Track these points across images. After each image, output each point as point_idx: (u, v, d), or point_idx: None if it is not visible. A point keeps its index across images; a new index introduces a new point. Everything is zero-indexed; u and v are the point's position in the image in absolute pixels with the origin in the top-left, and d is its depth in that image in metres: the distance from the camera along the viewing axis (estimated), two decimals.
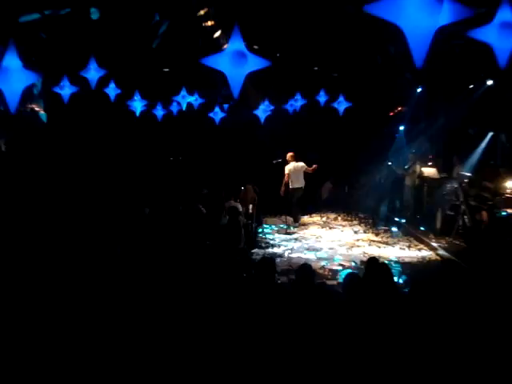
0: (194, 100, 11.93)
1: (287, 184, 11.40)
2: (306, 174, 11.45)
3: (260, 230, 10.99)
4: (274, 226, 11.59)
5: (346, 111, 11.76)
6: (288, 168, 11.48)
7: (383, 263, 5.02)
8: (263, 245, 9.57)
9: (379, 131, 13.18)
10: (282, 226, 11.42)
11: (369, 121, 13.51)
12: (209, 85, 11.94)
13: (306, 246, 9.51)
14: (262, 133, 13.66)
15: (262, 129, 12.83)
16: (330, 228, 11.50)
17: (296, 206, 11.61)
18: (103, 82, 9.37)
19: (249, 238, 8.93)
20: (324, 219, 12.74)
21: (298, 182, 11.42)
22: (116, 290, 4.37)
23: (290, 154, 11.54)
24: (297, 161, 11.49)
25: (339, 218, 12.68)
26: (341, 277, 7.08)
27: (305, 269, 4.64)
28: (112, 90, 10.00)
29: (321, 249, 9.20)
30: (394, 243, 9.51)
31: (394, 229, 10.82)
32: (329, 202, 13.92)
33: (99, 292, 4.27)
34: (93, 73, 8.37)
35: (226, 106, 13.58)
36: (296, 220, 11.64)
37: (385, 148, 12.97)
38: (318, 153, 13.17)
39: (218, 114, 12.96)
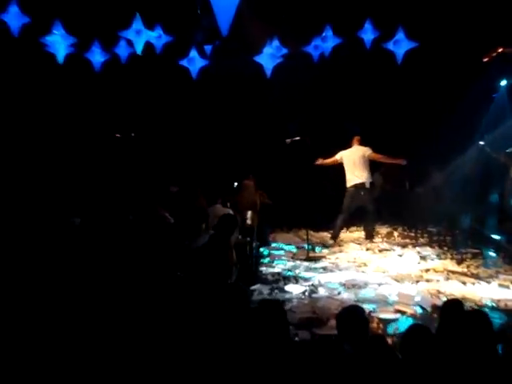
0: (156, 38, 11.87)
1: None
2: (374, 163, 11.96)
3: (265, 253, 11.07)
4: (288, 247, 11.67)
5: (408, 56, 11.68)
6: (340, 155, 12.23)
7: (474, 311, 5.04)
8: (270, 278, 9.62)
9: (464, 90, 13.11)
10: (300, 247, 11.51)
11: (446, 72, 13.49)
12: (180, 13, 11.94)
13: (340, 279, 9.50)
14: (268, 93, 13.66)
15: (268, 86, 12.84)
16: (381, 250, 11.55)
17: (345, 216, 12.23)
18: None
19: (246, 267, 8.94)
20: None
21: (360, 176, 12.04)
22: None
23: (356, 138, 12.37)
24: (361, 145, 12.24)
25: (396, 234, 12.75)
26: (398, 330, 7.09)
27: (352, 316, 4.62)
28: (14, 18, 10.02)
29: (365, 285, 9.18)
30: (490, 277, 9.47)
31: (490, 252, 10.82)
32: (378, 206, 13.91)
33: None
34: None
35: (208, 48, 13.49)
36: (370, 236, 12.26)
37: (474, 119, 12.95)
38: (359, 124, 13.29)
39: (195, 62, 12.83)
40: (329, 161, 12.42)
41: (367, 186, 12.14)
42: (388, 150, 13.76)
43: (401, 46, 11.65)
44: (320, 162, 12.42)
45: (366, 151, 12.18)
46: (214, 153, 14.43)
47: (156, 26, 11.75)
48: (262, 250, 11.06)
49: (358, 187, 12.07)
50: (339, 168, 12.46)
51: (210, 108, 14.77)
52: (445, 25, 12.77)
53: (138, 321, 5.62)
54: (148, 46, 11.95)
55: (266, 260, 10.75)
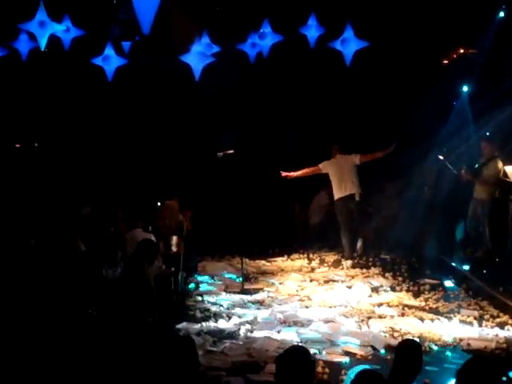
0: (64, 31, 11.77)
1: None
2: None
3: (192, 286, 11.00)
4: (218, 278, 11.62)
5: (357, 57, 11.82)
6: (324, 165, 12.70)
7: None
8: (199, 314, 9.54)
9: (421, 95, 13.33)
10: (233, 277, 11.52)
11: (401, 75, 13.76)
12: (93, 3, 11.88)
13: (279, 315, 9.46)
14: (196, 98, 13.75)
15: (196, 90, 12.92)
16: (327, 281, 11.57)
17: (349, 232, 12.65)
18: None
19: (171, 302, 8.95)
20: (315, 263, 12.90)
21: (350, 188, 12.49)
22: None
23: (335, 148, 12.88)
24: (342, 153, 12.63)
25: (344, 263, 12.74)
26: (348, 377, 7.04)
27: (294, 360, 4.59)
28: None
29: (309, 322, 9.17)
30: (452, 312, 9.57)
31: (450, 283, 10.97)
32: (323, 230, 14.08)
33: None
34: None
35: (126, 44, 13.42)
36: (350, 255, 12.67)
37: (432, 128, 13.15)
38: (300, 132, 13.57)
39: (110, 61, 12.75)
40: (308, 171, 12.77)
41: (357, 198, 12.53)
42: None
43: (349, 45, 11.71)
44: (292, 174, 12.70)
45: (355, 158, 12.58)
46: (133, 167, 14.29)
47: (64, 18, 11.61)
48: (189, 281, 10.93)
49: (347, 199, 12.49)
50: (289, 182, 12.61)
51: (129, 114, 14.65)
52: (398, 22, 13.01)
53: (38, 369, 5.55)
54: (54, 40, 11.76)
55: (194, 294, 10.61)
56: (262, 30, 12.05)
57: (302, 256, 13.38)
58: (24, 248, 8.66)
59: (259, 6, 12.33)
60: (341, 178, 12.52)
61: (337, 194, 12.60)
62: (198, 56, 11.71)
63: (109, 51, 12.52)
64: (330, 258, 13.18)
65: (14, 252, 8.43)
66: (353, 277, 11.81)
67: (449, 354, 7.93)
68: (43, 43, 11.56)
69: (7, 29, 12.03)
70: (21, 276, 7.79)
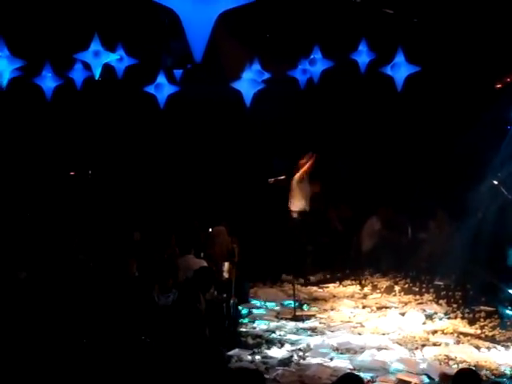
0: (117, 60, 12.00)
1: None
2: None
3: (245, 312, 10.97)
4: (271, 304, 11.59)
5: (408, 82, 11.83)
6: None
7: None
8: (251, 341, 9.51)
9: (474, 120, 13.11)
10: (286, 303, 11.46)
11: (453, 100, 13.68)
12: (146, 32, 12.11)
13: (332, 342, 9.42)
14: (247, 124, 13.90)
15: (247, 116, 13.00)
16: (379, 308, 11.47)
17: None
18: None
19: (223, 329, 8.90)
20: (367, 289, 12.83)
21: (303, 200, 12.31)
22: None
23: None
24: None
25: (397, 289, 12.67)
26: None
27: None
28: None
29: (362, 349, 9.10)
30: (509, 340, 9.44)
31: (508, 311, 10.79)
32: (375, 255, 14.03)
33: None
34: None
35: (178, 72, 13.65)
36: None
37: (485, 154, 12.97)
38: (352, 159, 13.46)
39: (163, 88, 12.91)
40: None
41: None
42: (386, 188, 13.95)
43: (400, 70, 11.74)
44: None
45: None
46: (183, 192, 14.38)
47: (117, 47, 11.80)
48: (240, 308, 10.86)
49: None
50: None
51: (180, 142, 14.80)
52: (450, 46, 12.91)
53: None
54: (108, 69, 12.02)
55: (246, 320, 10.59)
56: (312, 56, 12.13)
57: (354, 282, 13.27)
58: (81, 276, 8.75)
59: (309, 32, 12.39)
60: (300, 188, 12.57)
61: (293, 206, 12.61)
62: (249, 83, 11.84)
63: (161, 79, 12.68)
64: (382, 284, 13.05)
65: (73, 280, 8.52)
66: (406, 303, 11.67)
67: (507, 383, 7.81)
68: (97, 72, 11.76)
69: (63, 59, 12.25)
70: (80, 300, 7.87)
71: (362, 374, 7.80)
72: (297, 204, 12.64)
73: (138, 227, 11.67)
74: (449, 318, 10.66)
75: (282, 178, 11.80)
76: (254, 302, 11.64)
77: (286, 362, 8.67)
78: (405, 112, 14.11)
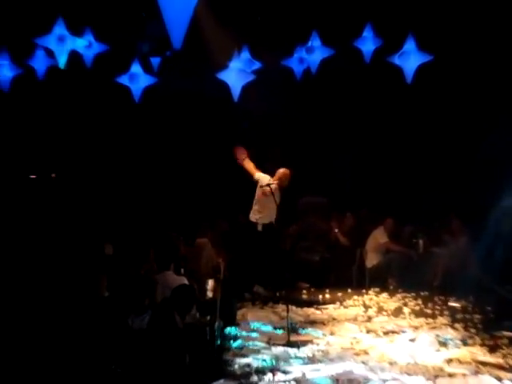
0: (86, 47, 11.97)
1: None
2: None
3: (232, 337, 10.85)
4: (262, 328, 11.51)
5: (419, 73, 11.90)
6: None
7: None
8: (238, 370, 9.37)
9: (496, 117, 13.24)
10: (279, 327, 11.41)
11: (471, 94, 13.74)
12: (118, 14, 12.15)
13: (331, 372, 9.31)
14: (235, 121, 14.09)
15: (234, 112, 13.29)
16: (386, 333, 11.34)
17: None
18: None
19: (206, 356, 8.85)
20: (372, 311, 12.73)
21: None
22: None
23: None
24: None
25: (406, 311, 12.63)
26: None
27: None
28: None
29: (366, 380, 9.00)
30: None
31: None
32: (382, 272, 14.10)
33: None
34: None
35: (155, 61, 13.61)
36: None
37: (507, 152, 13.00)
38: (354, 160, 13.74)
39: (138, 79, 12.91)
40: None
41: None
42: (393, 192, 13.94)
43: (410, 59, 11.84)
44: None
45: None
46: (163, 199, 14.43)
47: (85, 32, 11.80)
48: (227, 332, 10.85)
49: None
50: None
51: (158, 141, 14.84)
52: (467, 31, 12.93)
53: None
54: (74, 57, 12.01)
55: (233, 346, 10.45)
56: (310, 44, 12.14)
57: (357, 303, 13.26)
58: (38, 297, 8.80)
59: (307, 16, 12.38)
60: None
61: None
62: (237, 73, 11.89)
63: (136, 69, 12.70)
64: (390, 305, 13.02)
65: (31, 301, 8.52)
66: (417, 327, 11.58)
67: None
68: (62, 60, 11.74)
69: (22, 45, 12.21)
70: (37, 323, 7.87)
71: None
72: (263, 216, 12.80)
73: (109, 238, 11.61)
74: (466, 345, 10.54)
75: (275, 183, 11.81)
76: (243, 325, 11.56)
77: None
78: (414, 107, 14.20)
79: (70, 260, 10.20)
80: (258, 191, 12.58)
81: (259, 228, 12.77)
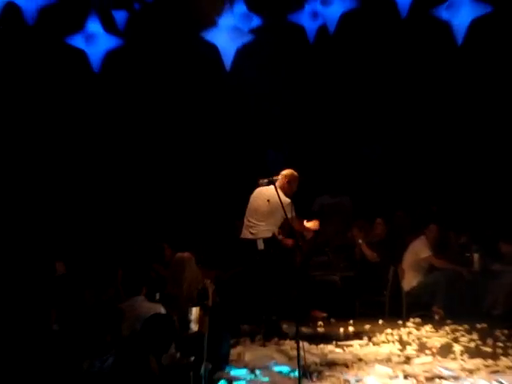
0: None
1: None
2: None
3: (223, 381, 10.78)
4: (262, 372, 11.36)
5: (473, 29, 11.87)
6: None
7: None
8: None
9: None
10: (285, 370, 11.30)
11: None
12: None
13: None
14: (226, 97, 14.18)
15: (226, 84, 13.32)
16: (431, 378, 11.17)
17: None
18: None
19: None
20: (412, 349, 12.65)
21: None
22: None
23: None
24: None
25: (458, 349, 12.55)
26: None
27: None
28: None
29: None
30: None
31: None
32: (424, 297, 14.20)
33: None
34: None
35: (120, 16, 13.53)
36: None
37: None
38: (384, 147, 14.25)
39: (97, 41, 12.90)
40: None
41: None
42: (435, 191, 13.93)
43: (461, 12, 11.81)
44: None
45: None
46: (132, 200, 14.62)
47: None
48: (216, 378, 10.73)
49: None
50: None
51: (125, 123, 14.82)
52: None
53: None
54: (11, 10, 11.95)
55: None
56: None
57: (390, 338, 13.20)
58: None
59: None
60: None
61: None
62: (230, 33, 11.79)
63: (93, 26, 12.63)
64: (435, 340, 13.01)
65: None
66: (472, 371, 11.40)
67: None
68: None
69: None
70: None
71: None
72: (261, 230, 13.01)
73: (61, 255, 11.66)
74: None
75: (277, 178, 11.81)
76: (238, 368, 11.44)
77: None
78: (466, 77, 14.23)
79: (6, 283, 10.22)
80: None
81: (260, 246, 12.82)
